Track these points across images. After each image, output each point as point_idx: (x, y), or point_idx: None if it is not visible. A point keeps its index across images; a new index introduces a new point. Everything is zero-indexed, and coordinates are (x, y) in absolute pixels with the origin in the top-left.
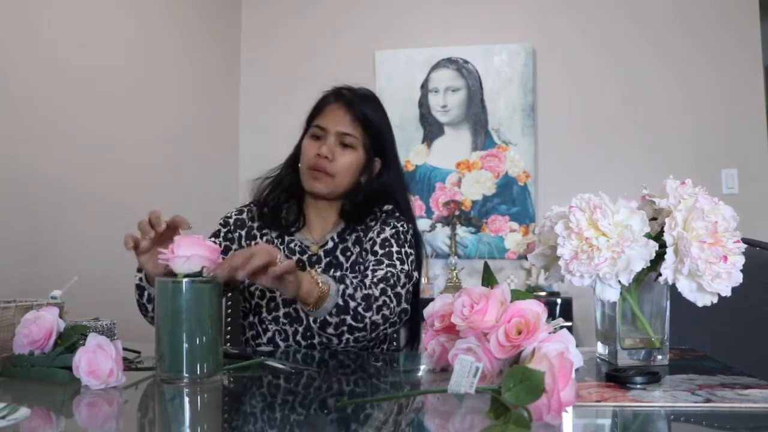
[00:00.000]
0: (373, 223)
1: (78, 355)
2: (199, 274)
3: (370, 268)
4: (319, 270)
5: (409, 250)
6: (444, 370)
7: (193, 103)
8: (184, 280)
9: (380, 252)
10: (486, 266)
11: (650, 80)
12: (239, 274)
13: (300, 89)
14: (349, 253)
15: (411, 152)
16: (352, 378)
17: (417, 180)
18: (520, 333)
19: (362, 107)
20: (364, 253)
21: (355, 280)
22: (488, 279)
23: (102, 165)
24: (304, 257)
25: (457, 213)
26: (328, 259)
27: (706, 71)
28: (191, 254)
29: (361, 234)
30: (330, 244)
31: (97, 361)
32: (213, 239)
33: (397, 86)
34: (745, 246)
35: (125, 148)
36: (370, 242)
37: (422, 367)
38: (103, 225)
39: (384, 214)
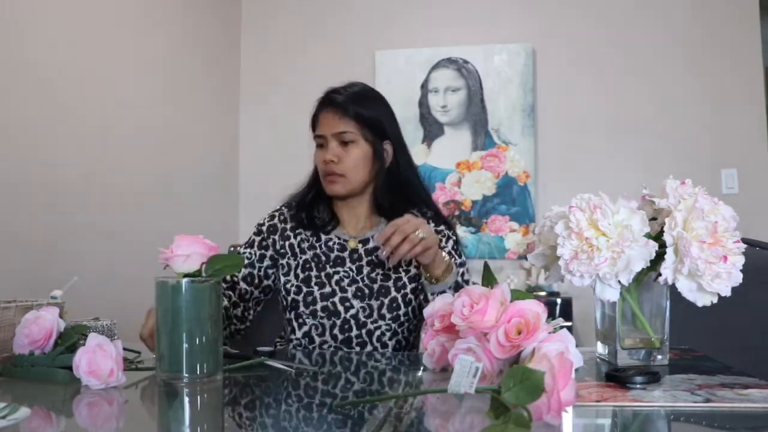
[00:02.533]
0: None
1: (78, 355)
2: (199, 273)
3: None
4: (363, 266)
5: (464, 259)
6: (444, 370)
7: (194, 102)
8: (184, 280)
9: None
10: (486, 266)
11: (650, 80)
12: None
13: (300, 89)
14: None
15: (411, 152)
16: (352, 378)
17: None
18: (520, 333)
19: (348, 102)
20: (416, 263)
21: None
22: (488, 279)
23: (103, 166)
24: (345, 253)
25: (457, 213)
26: (369, 257)
27: (707, 71)
28: (190, 252)
29: None
30: (371, 244)
31: (97, 361)
32: (248, 249)
33: (397, 86)
34: (745, 246)
35: (125, 147)
36: None
37: (422, 367)
38: (104, 225)
39: (430, 222)
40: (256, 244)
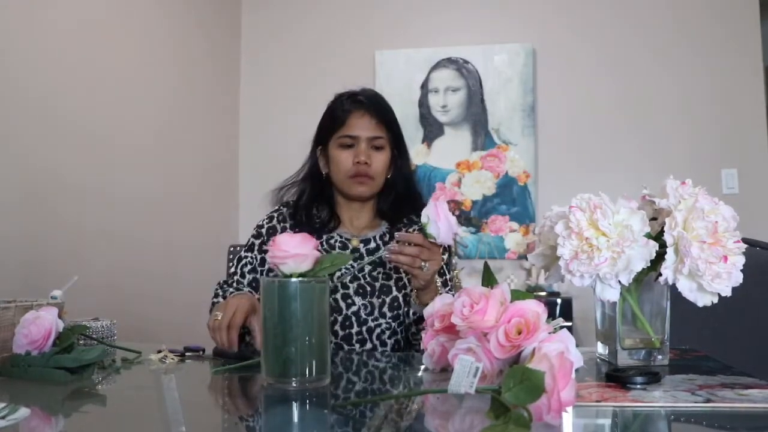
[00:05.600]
0: (416, 233)
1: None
2: (305, 273)
3: None
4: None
5: (453, 274)
6: (444, 370)
7: (195, 102)
8: (292, 279)
9: (439, 280)
10: (486, 266)
11: (650, 80)
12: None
13: (300, 89)
14: None
15: (411, 152)
16: (352, 378)
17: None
18: (520, 333)
19: (382, 108)
20: None
21: None
22: (488, 279)
23: (103, 165)
24: (347, 251)
25: (457, 213)
26: (370, 257)
27: (707, 71)
28: (304, 253)
29: None
30: (372, 244)
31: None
32: (249, 253)
33: (397, 86)
34: (745, 246)
35: (127, 148)
36: None
37: (422, 367)
38: (103, 225)
39: None
40: (256, 247)
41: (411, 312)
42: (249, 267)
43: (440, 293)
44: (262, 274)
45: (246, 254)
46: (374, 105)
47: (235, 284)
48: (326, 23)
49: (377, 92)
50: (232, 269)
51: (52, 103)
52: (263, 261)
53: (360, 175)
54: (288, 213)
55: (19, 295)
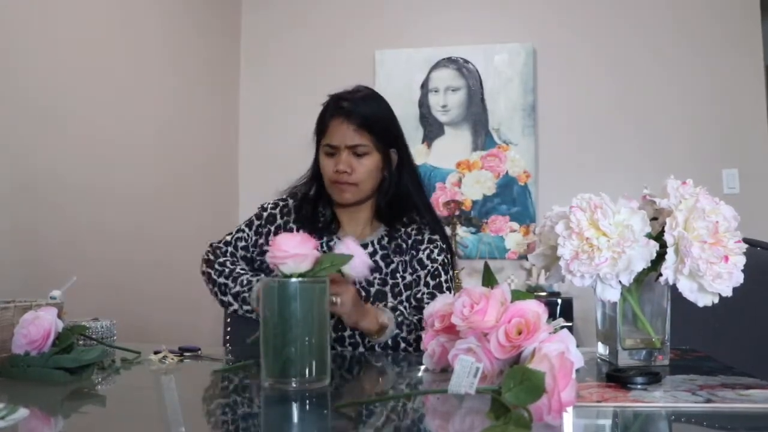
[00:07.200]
0: (414, 232)
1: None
2: (305, 273)
3: (425, 300)
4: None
5: (452, 274)
6: (444, 370)
7: (195, 102)
8: (292, 279)
9: (432, 283)
10: (486, 266)
11: (651, 80)
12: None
13: (300, 89)
14: (388, 260)
15: (411, 152)
16: (353, 378)
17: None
18: (520, 333)
19: (363, 113)
20: (411, 270)
21: (414, 319)
22: (488, 279)
23: (103, 165)
24: None
25: (457, 213)
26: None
27: (707, 71)
28: (304, 253)
29: (403, 244)
30: (370, 248)
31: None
32: (246, 229)
33: (397, 86)
34: (746, 246)
35: (127, 148)
36: (419, 262)
37: (422, 367)
38: (103, 224)
39: (427, 229)
40: (254, 227)
41: (366, 340)
42: (243, 243)
43: (382, 329)
44: (253, 253)
45: (244, 228)
46: (355, 110)
47: (228, 255)
48: (326, 23)
49: (368, 93)
50: (229, 237)
51: (52, 103)
52: (256, 243)
53: (340, 182)
54: (294, 206)
55: (19, 295)
